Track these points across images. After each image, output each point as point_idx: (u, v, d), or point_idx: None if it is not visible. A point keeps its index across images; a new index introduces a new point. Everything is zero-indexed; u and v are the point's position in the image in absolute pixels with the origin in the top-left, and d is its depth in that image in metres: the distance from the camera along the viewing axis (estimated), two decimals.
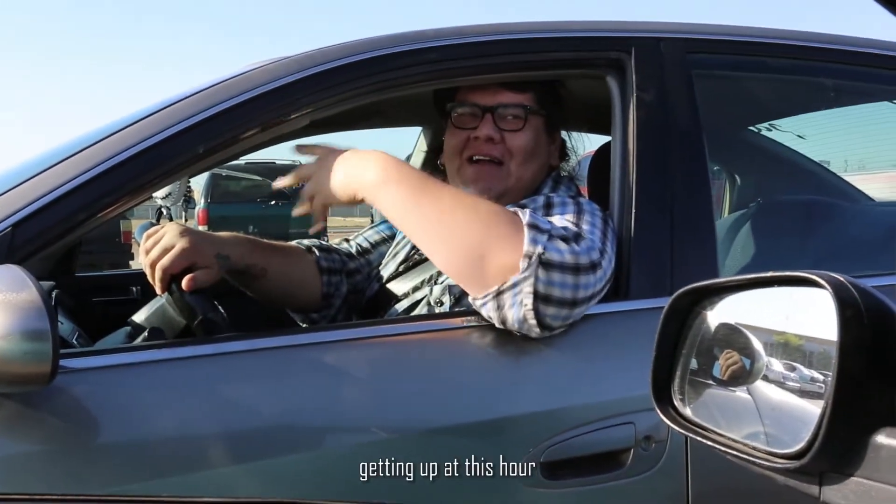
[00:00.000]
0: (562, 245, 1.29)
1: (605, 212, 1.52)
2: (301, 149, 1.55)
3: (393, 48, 1.50)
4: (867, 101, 2.18)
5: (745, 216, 2.21)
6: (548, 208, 1.46)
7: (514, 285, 1.27)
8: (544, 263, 1.26)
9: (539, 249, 1.27)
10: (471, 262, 1.31)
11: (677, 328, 0.85)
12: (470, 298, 1.34)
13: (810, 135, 2.47)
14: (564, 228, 1.33)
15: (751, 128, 2.49)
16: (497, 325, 1.32)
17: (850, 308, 0.66)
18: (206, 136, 1.36)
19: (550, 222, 1.34)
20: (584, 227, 1.38)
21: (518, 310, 1.28)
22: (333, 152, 1.48)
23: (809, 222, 2.14)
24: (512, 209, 1.36)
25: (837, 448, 0.67)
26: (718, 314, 0.85)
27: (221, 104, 1.37)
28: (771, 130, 2.49)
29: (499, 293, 1.28)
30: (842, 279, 0.68)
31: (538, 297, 1.27)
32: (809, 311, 0.75)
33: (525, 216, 1.32)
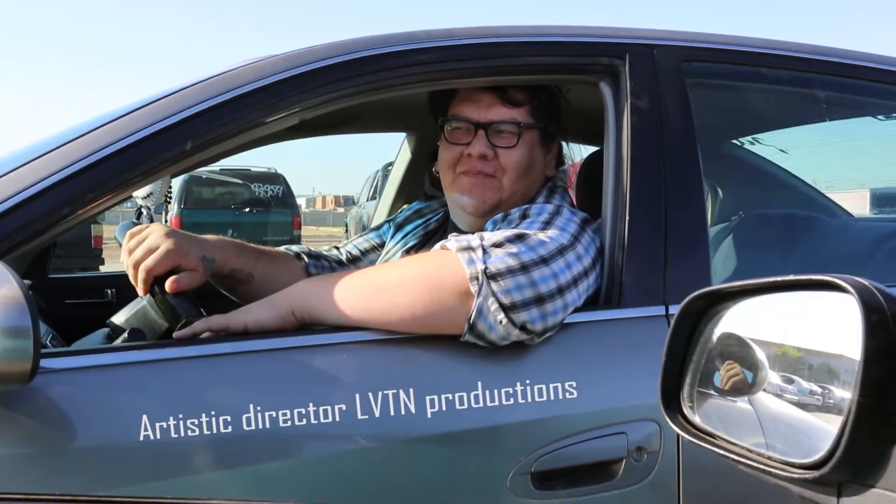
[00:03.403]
0: (498, 252, 1.29)
1: (589, 219, 1.50)
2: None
3: (383, 48, 1.47)
4: (855, 115, 2.19)
5: (728, 229, 2.21)
6: (523, 218, 1.45)
7: (480, 311, 1.26)
8: (492, 276, 1.26)
9: (480, 266, 1.27)
10: (433, 314, 1.29)
11: (688, 332, 0.83)
12: None
13: (785, 151, 2.48)
14: (500, 236, 1.33)
15: (734, 140, 2.49)
16: (492, 347, 1.30)
17: (876, 313, 0.64)
18: (193, 132, 1.32)
19: (481, 236, 1.33)
20: (551, 230, 1.37)
21: (497, 329, 1.27)
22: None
23: (792, 236, 2.14)
24: (440, 244, 1.37)
25: (859, 457, 0.65)
26: (729, 320, 0.83)
27: (210, 100, 1.34)
28: (754, 144, 2.50)
29: (472, 326, 1.27)
30: (867, 284, 0.66)
31: (506, 309, 1.26)
32: (827, 317, 0.73)
33: (451, 244, 1.33)
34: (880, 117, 2.13)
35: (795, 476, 0.69)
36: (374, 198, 14.68)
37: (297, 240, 12.50)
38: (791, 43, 1.73)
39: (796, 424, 0.76)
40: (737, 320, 0.84)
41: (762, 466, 0.73)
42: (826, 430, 0.69)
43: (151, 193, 2.27)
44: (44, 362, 1.11)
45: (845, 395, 0.68)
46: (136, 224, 1.65)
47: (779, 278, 0.77)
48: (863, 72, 1.76)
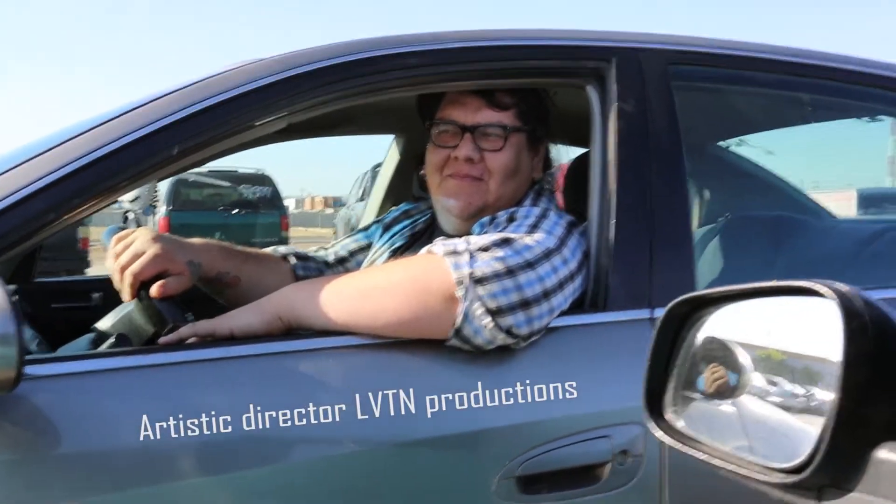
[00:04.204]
0: (485, 256, 1.29)
1: (575, 222, 1.51)
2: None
3: (372, 52, 1.47)
4: (839, 117, 2.21)
5: (714, 231, 2.22)
6: (510, 222, 1.45)
7: (466, 316, 1.27)
8: (478, 280, 1.27)
9: (466, 270, 1.27)
10: (419, 318, 1.30)
11: (672, 338, 0.83)
12: None
13: (772, 152, 2.50)
14: (486, 240, 1.33)
15: (720, 143, 2.51)
16: (478, 351, 1.31)
17: (856, 319, 0.64)
18: (181, 136, 1.32)
19: (468, 240, 1.34)
20: (537, 234, 1.37)
21: (483, 334, 1.28)
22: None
23: (778, 238, 2.15)
24: (426, 248, 1.37)
25: (838, 462, 0.65)
26: (712, 325, 0.83)
27: (198, 104, 1.34)
28: (740, 145, 2.51)
29: (458, 331, 1.28)
30: (846, 290, 0.66)
31: (492, 314, 1.26)
32: (809, 322, 0.74)
33: (438, 248, 1.33)
34: (865, 119, 2.15)
35: (776, 480, 0.69)
36: (362, 199, 14.63)
37: (285, 241, 12.45)
38: (776, 46, 1.74)
39: (778, 427, 0.77)
40: (720, 325, 0.84)
41: (743, 471, 0.73)
42: (807, 432, 0.70)
43: (138, 197, 2.27)
44: (28, 369, 1.11)
45: (828, 397, 0.69)
46: (122, 228, 1.65)
47: (761, 284, 0.77)
48: (847, 75, 1.77)
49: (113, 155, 1.27)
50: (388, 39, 1.51)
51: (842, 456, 0.65)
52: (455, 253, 1.30)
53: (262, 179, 13.60)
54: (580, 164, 1.85)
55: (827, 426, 0.65)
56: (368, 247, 1.99)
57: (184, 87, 1.38)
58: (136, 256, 1.48)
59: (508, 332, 1.28)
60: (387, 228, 1.98)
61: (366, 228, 2.08)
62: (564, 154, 2.00)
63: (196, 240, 1.67)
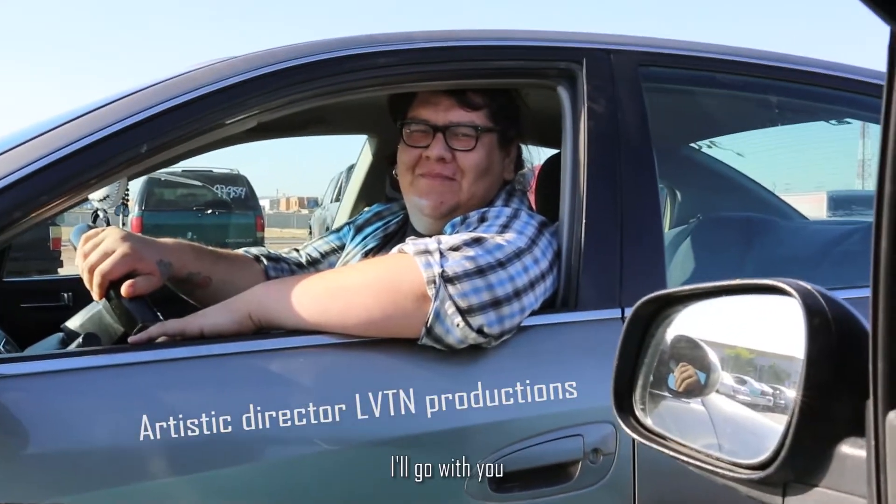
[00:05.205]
0: (456, 255, 1.29)
1: (546, 222, 1.52)
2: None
3: (341, 51, 1.48)
4: (807, 119, 2.23)
5: (686, 232, 2.24)
6: (481, 222, 1.46)
7: (437, 315, 1.27)
8: (448, 280, 1.27)
9: (437, 269, 1.27)
10: (390, 317, 1.30)
11: (640, 336, 0.84)
12: None
13: (743, 154, 2.52)
14: (457, 239, 1.33)
15: (692, 144, 2.53)
16: (449, 350, 1.31)
17: (818, 317, 0.65)
18: (149, 134, 1.31)
19: (438, 240, 1.34)
20: (508, 234, 1.38)
21: (454, 332, 1.28)
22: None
23: (748, 239, 2.17)
24: (397, 248, 1.37)
25: (803, 458, 0.66)
26: (680, 323, 0.84)
27: (166, 102, 1.33)
28: (711, 147, 2.53)
29: (429, 330, 1.28)
30: (809, 288, 0.67)
31: (463, 313, 1.26)
32: (774, 321, 0.74)
33: (409, 247, 1.33)
34: (833, 122, 2.17)
35: (742, 476, 0.70)
36: (338, 199, 14.57)
37: (260, 242, 12.38)
38: (745, 49, 1.76)
39: (746, 425, 0.78)
40: (688, 323, 0.85)
41: (710, 467, 0.74)
42: (774, 430, 0.71)
43: (108, 196, 2.24)
44: None
45: (794, 394, 0.70)
46: (91, 227, 1.63)
47: (726, 283, 0.78)
48: (814, 77, 1.79)
49: (81, 153, 1.26)
50: (357, 39, 1.51)
51: (806, 451, 0.66)
52: (426, 252, 1.30)
53: (236, 179, 13.52)
54: (553, 165, 1.86)
55: (791, 422, 0.66)
56: (341, 248, 1.99)
57: (152, 86, 1.37)
58: (105, 255, 1.46)
59: (480, 331, 1.28)
60: (359, 230, 1.98)
61: (338, 230, 2.08)
62: (536, 156, 2.01)
63: (167, 239, 1.66)
